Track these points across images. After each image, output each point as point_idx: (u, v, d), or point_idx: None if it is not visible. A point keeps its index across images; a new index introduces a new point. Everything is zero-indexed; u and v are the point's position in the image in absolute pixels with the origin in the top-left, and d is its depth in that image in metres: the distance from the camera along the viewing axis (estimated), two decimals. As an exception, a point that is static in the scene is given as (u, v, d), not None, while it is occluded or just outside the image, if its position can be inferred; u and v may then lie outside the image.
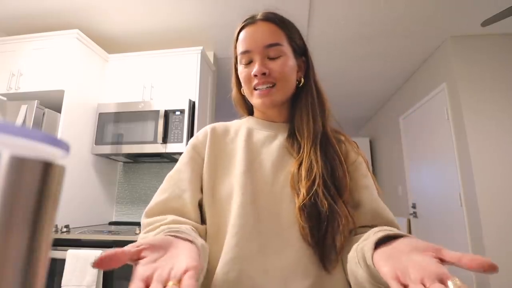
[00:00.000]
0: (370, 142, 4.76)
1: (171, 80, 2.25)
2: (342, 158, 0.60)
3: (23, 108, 1.82)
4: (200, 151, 0.65)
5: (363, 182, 0.61)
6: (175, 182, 0.61)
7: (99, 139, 2.14)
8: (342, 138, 0.68)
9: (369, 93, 3.71)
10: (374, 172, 4.58)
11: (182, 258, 0.36)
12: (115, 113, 2.15)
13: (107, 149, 2.11)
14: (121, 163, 2.52)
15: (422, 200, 3.05)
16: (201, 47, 2.28)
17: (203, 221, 0.60)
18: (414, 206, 3.18)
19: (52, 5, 2.11)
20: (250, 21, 0.64)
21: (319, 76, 0.70)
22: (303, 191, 0.55)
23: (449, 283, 0.28)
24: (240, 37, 0.65)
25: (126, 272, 1.55)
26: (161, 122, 2.02)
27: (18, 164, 0.15)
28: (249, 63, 0.63)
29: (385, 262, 0.37)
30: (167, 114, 2.07)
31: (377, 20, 2.25)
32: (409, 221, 3.30)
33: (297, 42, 0.66)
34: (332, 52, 2.73)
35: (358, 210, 0.58)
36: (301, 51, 0.67)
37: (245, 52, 0.63)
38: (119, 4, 2.10)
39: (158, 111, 2.07)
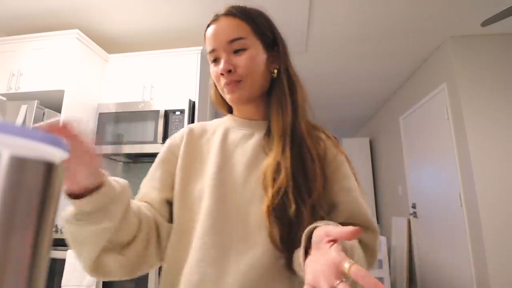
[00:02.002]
0: (370, 142, 4.76)
1: (171, 80, 2.25)
2: (316, 156, 0.57)
3: (23, 108, 1.82)
4: (175, 151, 0.65)
5: (342, 184, 0.59)
6: (147, 180, 0.63)
7: (99, 139, 2.14)
8: (323, 135, 0.65)
9: (369, 93, 3.70)
10: (374, 172, 4.58)
11: None
12: (115, 113, 2.15)
13: (107, 149, 2.11)
14: (121, 163, 2.52)
15: (422, 200, 3.05)
16: (201, 47, 2.28)
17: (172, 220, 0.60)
18: (414, 206, 3.18)
19: (52, 5, 2.11)
20: (214, 19, 0.63)
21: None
22: (271, 192, 0.53)
23: (345, 265, 0.33)
24: (206, 36, 0.63)
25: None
26: (161, 122, 2.02)
27: (20, 164, 0.15)
28: (216, 61, 0.62)
29: (308, 275, 0.39)
30: (167, 114, 2.07)
31: (377, 20, 2.25)
32: (409, 221, 3.30)
33: (265, 33, 0.63)
34: (332, 52, 2.73)
35: (334, 211, 0.57)
36: (272, 42, 0.65)
37: (211, 51, 0.62)
38: (119, 4, 2.09)
39: (158, 111, 2.07)
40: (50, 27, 2.27)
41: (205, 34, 0.64)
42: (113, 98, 2.27)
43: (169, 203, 0.61)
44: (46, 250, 0.17)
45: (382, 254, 3.10)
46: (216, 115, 2.76)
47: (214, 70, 0.62)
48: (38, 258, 0.16)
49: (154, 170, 0.64)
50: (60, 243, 1.61)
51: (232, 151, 0.62)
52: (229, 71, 0.59)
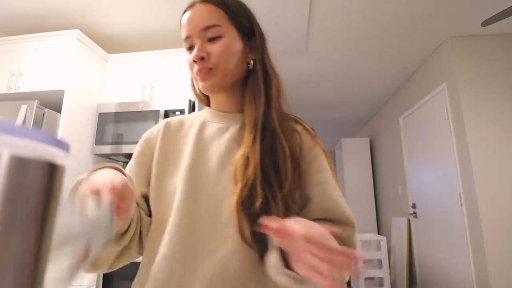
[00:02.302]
0: (370, 142, 4.75)
1: (171, 80, 2.25)
2: (288, 149, 0.56)
3: (23, 108, 1.81)
4: (152, 145, 0.64)
5: (316, 178, 0.58)
6: None
7: (99, 139, 2.14)
8: (299, 128, 0.63)
9: (369, 93, 3.70)
10: (374, 172, 4.58)
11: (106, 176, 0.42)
12: (115, 113, 2.15)
13: (107, 149, 2.11)
14: (121, 163, 2.52)
15: (422, 200, 3.05)
16: (201, 47, 2.27)
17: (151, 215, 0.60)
18: (414, 206, 3.18)
19: (52, 5, 2.11)
20: (190, 5, 0.61)
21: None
22: (239, 186, 0.52)
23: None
24: (181, 23, 0.62)
25: (126, 272, 1.55)
26: (161, 122, 2.03)
27: (20, 164, 0.15)
28: (191, 48, 0.60)
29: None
30: (167, 114, 2.07)
31: (377, 20, 2.25)
32: (409, 221, 3.30)
33: (242, 22, 0.62)
34: (332, 52, 2.73)
35: (307, 206, 0.56)
36: (249, 32, 0.63)
37: (185, 38, 0.60)
38: (119, 4, 2.09)
39: (158, 111, 2.08)
40: (50, 27, 2.27)
41: (180, 21, 0.62)
42: (113, 98, 2.27)
43: (146, 198, 0.60)
44: (47, 251, 0.17)
45: (382, 254, 3.10)
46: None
47: (188, 58, 0.61)
48: (40, 259, 0.16)
49: (131, 165, 0.63)
50: (60, 243, 1.61)
51: (207, 145, 0.61)
52: (202, 59, 0.58)
